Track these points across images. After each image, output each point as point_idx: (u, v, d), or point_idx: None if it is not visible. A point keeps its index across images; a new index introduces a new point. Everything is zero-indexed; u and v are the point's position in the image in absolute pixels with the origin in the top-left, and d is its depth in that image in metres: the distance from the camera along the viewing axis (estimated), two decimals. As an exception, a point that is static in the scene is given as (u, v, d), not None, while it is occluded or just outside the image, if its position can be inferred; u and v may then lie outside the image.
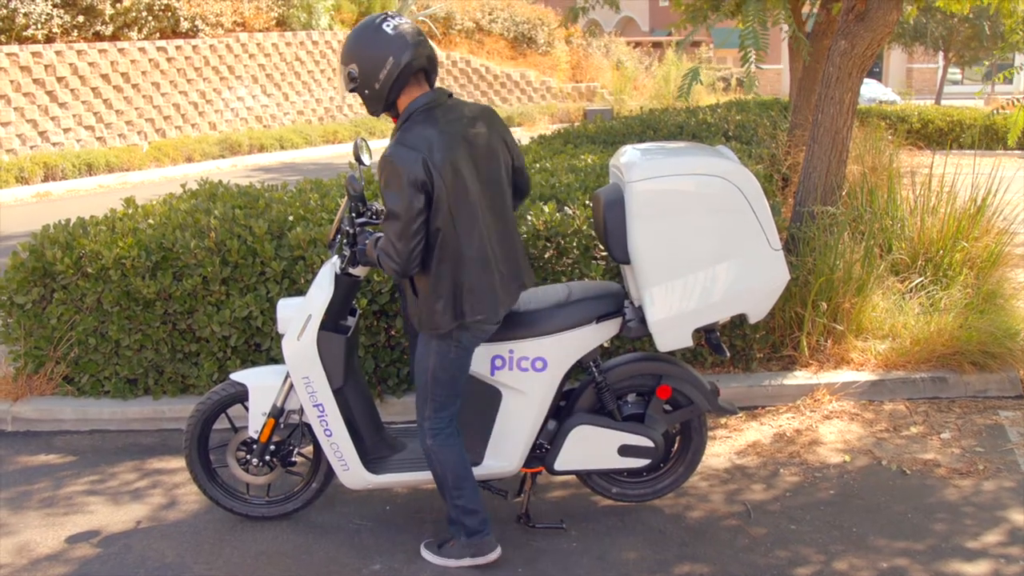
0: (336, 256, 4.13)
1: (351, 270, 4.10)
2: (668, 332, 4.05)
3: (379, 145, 22.33)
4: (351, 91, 3.71)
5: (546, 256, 5.56)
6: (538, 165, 7.46)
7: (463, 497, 3.97)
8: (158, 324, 5.61)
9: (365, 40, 3.64)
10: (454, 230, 3.66)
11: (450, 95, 3.82)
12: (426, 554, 4.10)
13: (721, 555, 4.12)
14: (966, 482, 4.74)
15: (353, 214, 4.08)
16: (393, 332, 5.60)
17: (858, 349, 6.04)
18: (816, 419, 5.52)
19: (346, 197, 4.17)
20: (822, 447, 5.18)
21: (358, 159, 4.12)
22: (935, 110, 21.17)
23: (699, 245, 3.99)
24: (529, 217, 5.59)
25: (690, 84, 6.95)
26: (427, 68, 3.71)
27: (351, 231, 4.04)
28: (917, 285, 6.53)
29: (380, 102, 3.69)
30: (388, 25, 3.64)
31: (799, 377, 5.86)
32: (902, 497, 4.60)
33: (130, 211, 6.10)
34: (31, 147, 17.98)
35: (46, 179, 16.84)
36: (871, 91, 33.71)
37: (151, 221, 5.81)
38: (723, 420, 5.53)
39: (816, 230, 6.33)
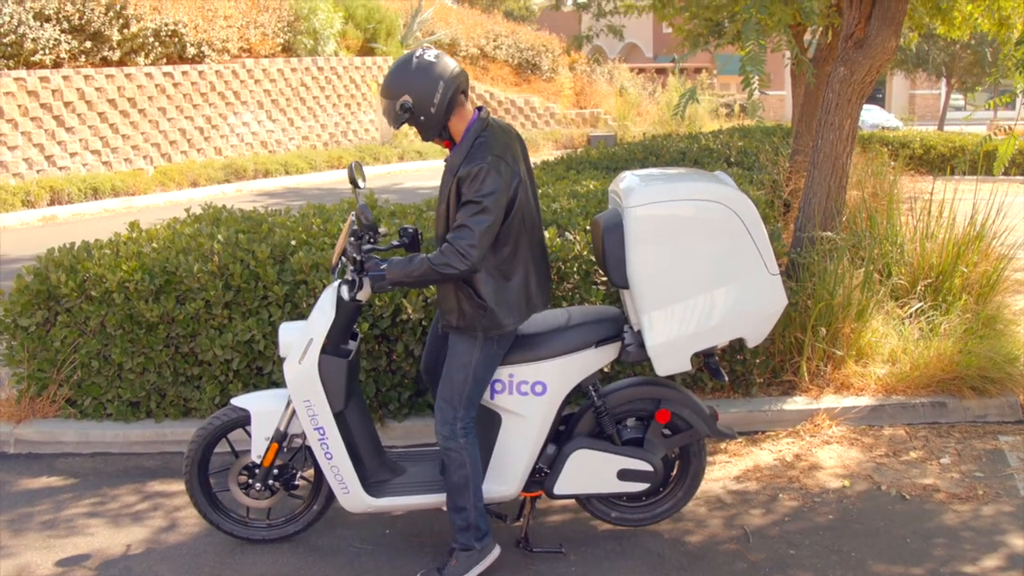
0: (338, 280, 4.16)
1: (355, 295, 4.13)
2: (667, 356, 4.08)
3: (374, 172, 22.42)
4: (404, 122, 3.86)
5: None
6: (540, 191, 7.50)
7: (480, 497, 4.08)
8: (161, 347, 5.64)
9: (412, 72, 3.83)
10: (524, 236, 3.97)
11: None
12: None
13: (719, 579, 4.14)
14: (965, 507, 4.75)
15: (359, 241, 4.11)
16: (394, 357, 5.62)
17: (858, 374, 6.06)
18: (815, 444, 5.53)
19: (347, 222, 4.21)
20: (821, 472, 5.19)
21: (353, 182, 4.21)
22: (937, 136, 21.25)
23: (697, 270, 4.03)
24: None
25: (686, 103, 6.99)
26: (466, 89, 3.97)
27: (357, 258, 4.07)
28: (917, 310, 6.55)
29: (436, 126, 3.89)
30: (428, 55, 3.87)
31: (799, 402, 5.87)
32: (901, 522, 4.61)
33: (134, 235, 6.14)
34: (37, 171, 18.07)
35: (52, 203, 16.91)
36: (873, 117, 33.83)
37: (155, 245, 5.85)
38: (723, 445, 5.54)
39: (816, 256, 6.35)
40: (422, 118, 3.84)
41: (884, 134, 21.70)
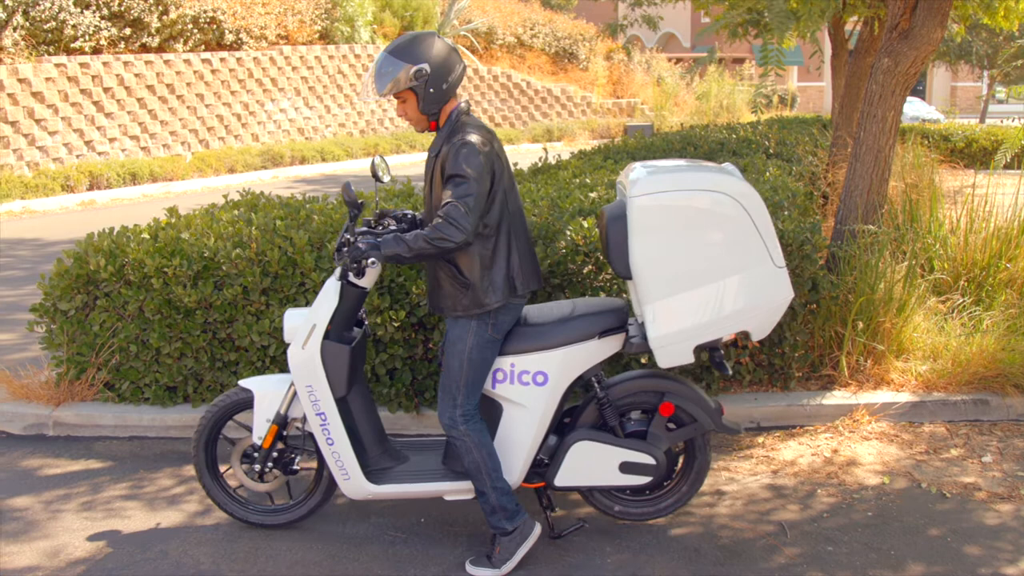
0: (340, 267, 4.17)
1: (357, 281, 4.16)
2: (669, 348, 4.05)
3: (409, 159, 22.47)
4: (403, 90, 3.93)
5: (584, 271, 5.56)
6: (578, 180, 7.46)
7: (500, 478, 4.09)
8: (198, 333, 5.66)
9: (434, 46, 3.95)
10: (506, 216, 4.03)
11: None
12: (474, 569, 4.09)
13: (756, 575, 4.09)
14: (1007, 506, 4.68)
15: (353, 223, 4.19)
16: (431, 345, 5.61)
17: (898, 370, 5.99)
18: (854, 440, 5.47)
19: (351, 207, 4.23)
20: (860, 468, 5.13)
21: (376, 176, 4.28)
22: (979, 129, 20.96)
23: (701, 261, 3.99)
24: (568, 232, 5.59)
25: (760, 98, 7.00)
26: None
27: (351, 239, 4.11)
28: (959, 306, 6.46)
29: (440, 102, 3.99)
30: (448, 40, 4.04)
31: (838, 397, 5.81)
32: (941, 520, 4.55)
33: (173, 220, 6.17)
34: (77, 156, 18.22)
35: (91, 188, 17.07)
36: (914, 109, 33.46)
37: (193, 231, 5.87)
38: (759, 439, 5.50)
39: (857, 249, 6.28)
40: (431, 90, 3.93)
41: (925, 127, 21.44)
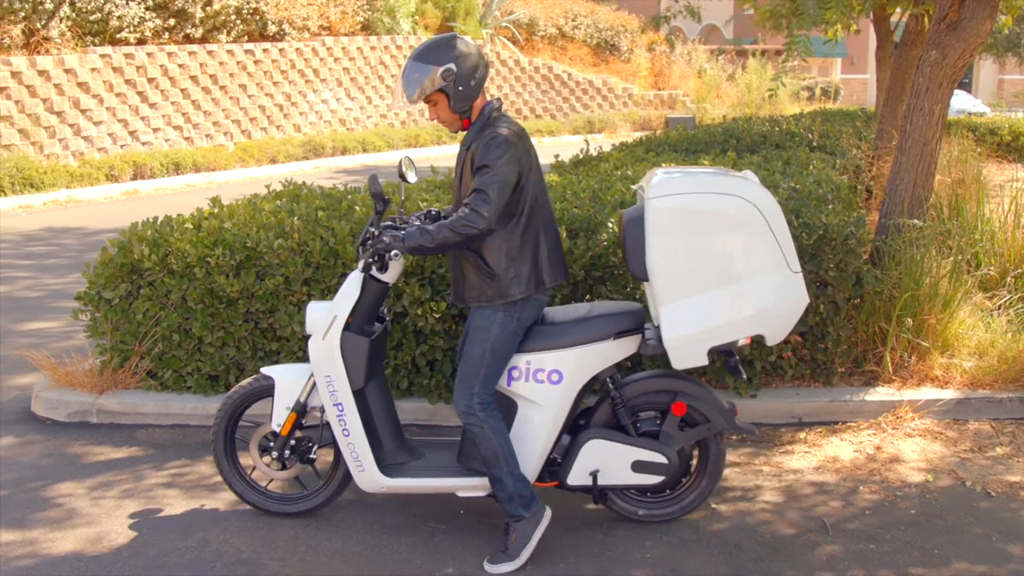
0: (363, 261, 4.19)
1: (379, 276, 4.18)
2: (683, 349, 4.05)
3: (450, 151, 22.51)
4: (435, 91, 4.02)
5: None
6: (619, 172, 7.43)
7: (517, 466, 4.11)
8: (240, 322, 5.70)
9: (457, 46, 4.02)
10: (536, 209, 4.11)
11: None
12: (494, 567, 4.07)
13: (796, 572, 4.06)
14: (1054, 506, 4.61)
15: (378, 216, 4.26)
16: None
17: (943, 366, 5.91)
18: (898, 436, 5.41)
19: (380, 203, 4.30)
20: (903, 465, 5.08)
21: (402, 176, 4.37)
22: (1027, 123, 20.61)
23: (717, 264, 3.99)
24: (610, 224, 5.57)
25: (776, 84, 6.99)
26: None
27: (375, 232, 4.14)
28: (1006, 302, 6.37)
29: (469, 99, 4.06)
30: (469, 39, 4.12)
31: (881, 393, 5.75)
32: (986, 519, 4.49)
33: (215, 210, 6.21)
34: (121, 146, 18.40)
35: (135, 177, 17.23)
36: (960, 103, 32.97)
37: (235, 220, 5.90)
38: (800, 435, 5.45)
39: (902, 243, 6.20)
40: (460, 88, 4.01)
41: (971, 120, 21.14)
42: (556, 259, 4.20)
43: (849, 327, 5.75)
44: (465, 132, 4.17)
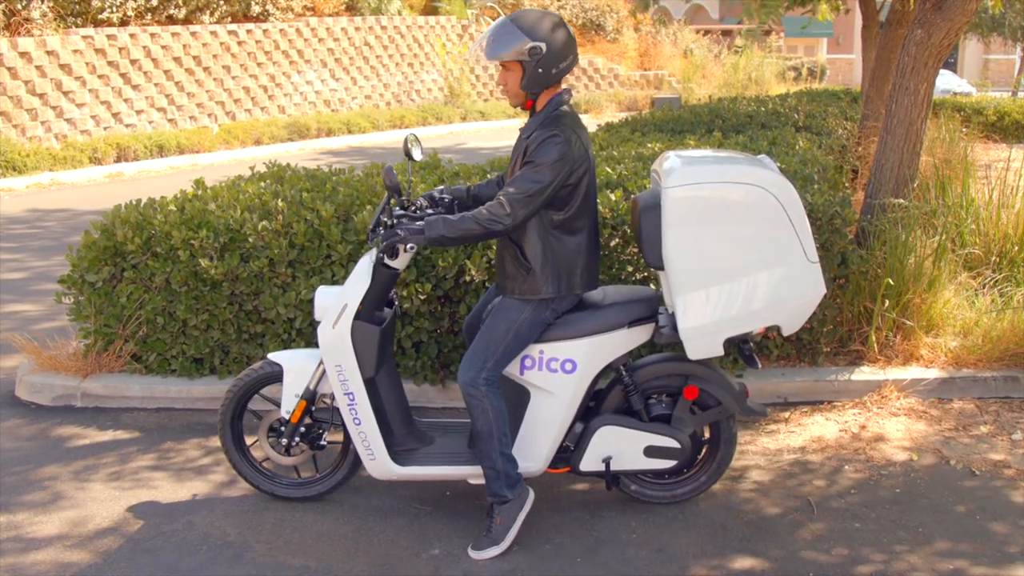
0: (374, 248, 4.14)
1: (390, 263, 4.13)
2: (699, 340, 4.02)
3: (437, 132, 22.41)
4: (513, 59, 3.87)
5: (611, 244, 5.53)
6: (604, 153, 7.41)
7: (508, 445, 4.09)
8: (225, 305, 5.67)
9: (559, 30, 3.92)
10: (585, 221, 4.05)
11: None
12: (478, 553, 4.06)
13: (781, 551, 4.07)
14: (1037, 484, 4.63)
15: (391, 206, 4.14)
16: (457, 318, 5.60)
17: (927, 346, 5.93)
18: (882, 415, 5.43)
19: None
20: (888, 444, 5.10)
21: (408, 154, 4.25)
22: (1012, 102, 20.69)
23: (734, 254, 3.96)
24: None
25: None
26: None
27: (389, 223, 4.07)
28: (990, 281, 6.38)
29: (544, 84, 3.95)
30: (569, 28, 4.00)
31: (866, 372, 5.77)
32: (970, 498, 4.51)
33: (199, 192, 6.17)
34: (104, 128, 18.30)
35: (118, 160, 17.15)
36: (946, 82, 33.02)
37: (219, 203, 5.87)
38: (785, 414, 5.47)
39: (887, 223, 6.21)
40: (540, 70, 3.89)
41: (957, 100, 21.18)
42: (592, 268, 4.15)
43: (834, 307, 5.76)
44: (527, 114, 4.08)
